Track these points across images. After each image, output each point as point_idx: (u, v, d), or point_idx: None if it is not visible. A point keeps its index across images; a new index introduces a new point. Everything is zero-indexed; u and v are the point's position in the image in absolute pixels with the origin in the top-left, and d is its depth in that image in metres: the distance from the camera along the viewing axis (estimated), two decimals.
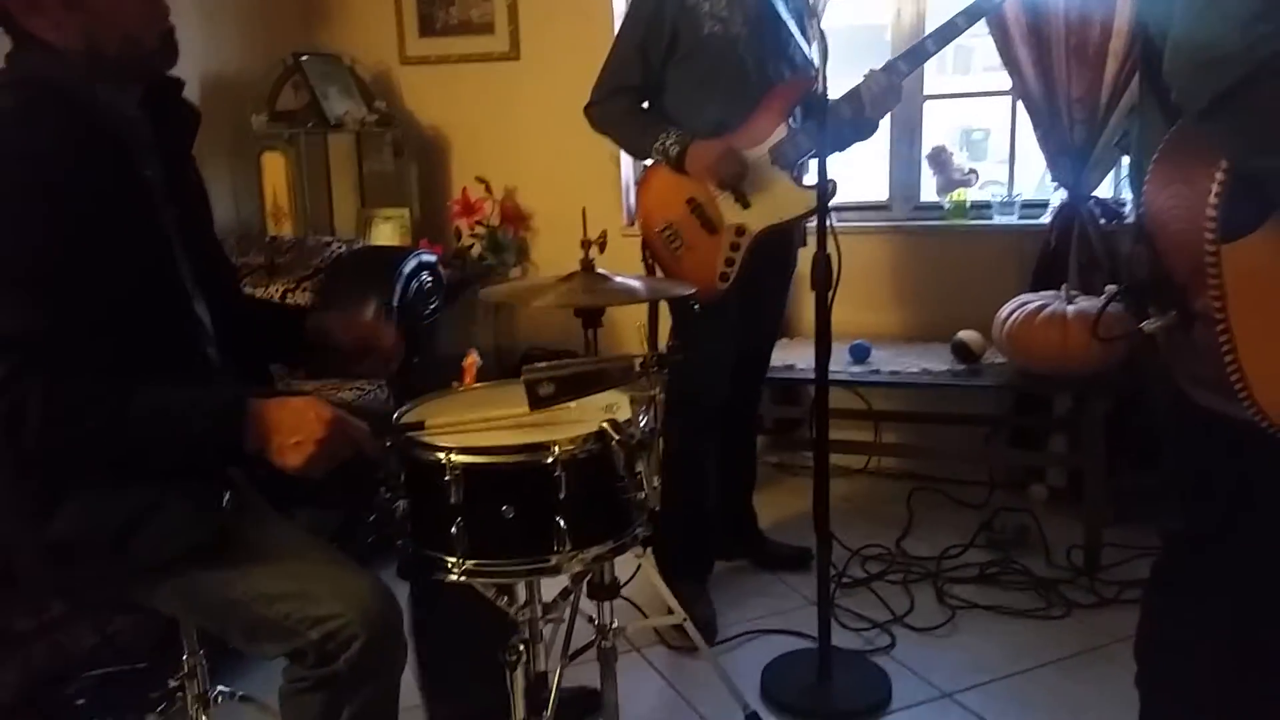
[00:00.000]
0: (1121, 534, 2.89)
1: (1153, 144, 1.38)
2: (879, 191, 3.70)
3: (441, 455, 1.41)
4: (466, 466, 1.40)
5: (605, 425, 1.46)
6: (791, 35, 2.49)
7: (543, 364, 1.50)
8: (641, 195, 2.58)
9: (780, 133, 2.44)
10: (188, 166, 1.60)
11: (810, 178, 2.48)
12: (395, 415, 1.59)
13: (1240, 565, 1.45)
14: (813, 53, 2.42)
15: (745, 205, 2.46)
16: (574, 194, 2.41)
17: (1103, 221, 3.19)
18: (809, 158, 2.45)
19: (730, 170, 2.40)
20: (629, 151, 2.69)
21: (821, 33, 2.16)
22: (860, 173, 3.80)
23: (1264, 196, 1.23)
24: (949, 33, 2.36)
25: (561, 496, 1.42)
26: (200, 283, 1.53)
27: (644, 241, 2.54)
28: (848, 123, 2.39)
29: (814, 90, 2.43)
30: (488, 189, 3.93)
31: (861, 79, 2.38)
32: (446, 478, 1.40)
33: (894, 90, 2.37)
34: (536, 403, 1.47)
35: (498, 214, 3.93)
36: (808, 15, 2.49)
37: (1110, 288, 2.62)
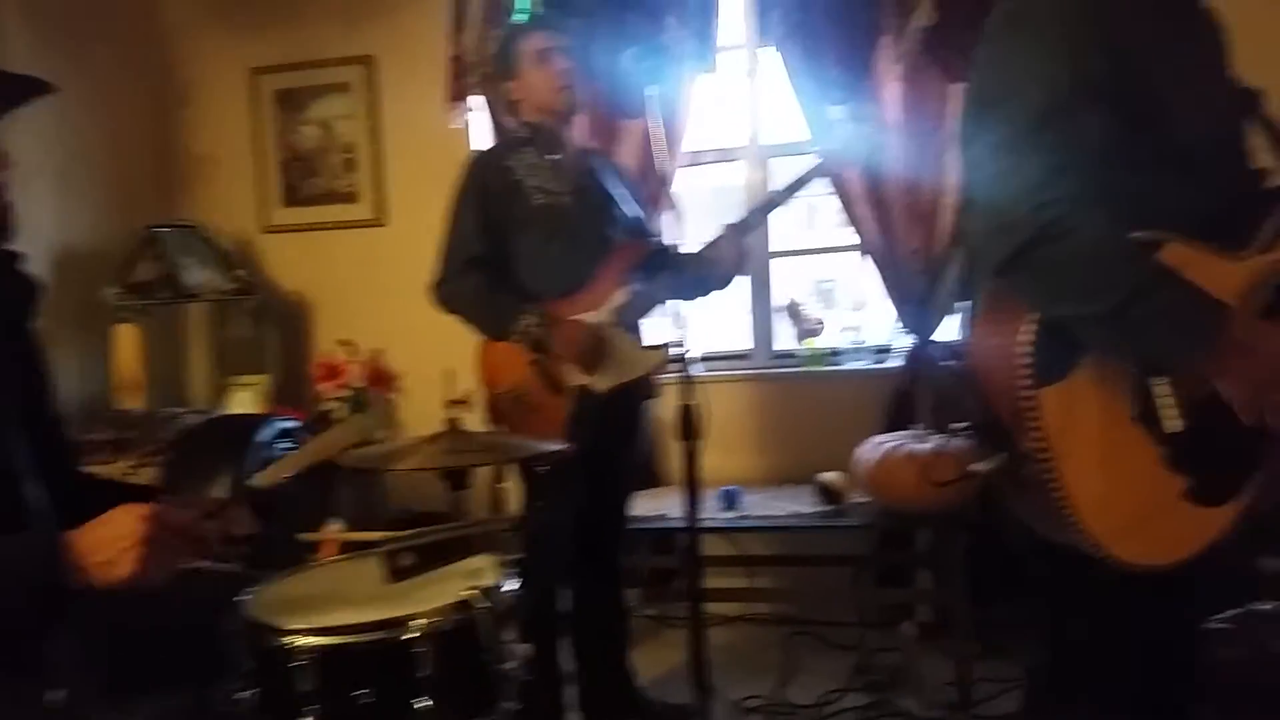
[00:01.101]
0: (994, 667, 2.93)
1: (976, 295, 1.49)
2: (743, 341, 3.84)
3: (289, 639, 1.35)
4: (317, 649, 1.34)
5: (468, 594, 1.43)
6: (616, 200, 2.62)
7: (404, 532, 1.47)
8: (484, 357, 2.58)
9: (621, 293, 2.51)
10: (25, 340, 1.55)
11: (654, 337, 2.57)
12: (244, 597, 1.52)
13: (1102, 694, 1.50)
14: (662, 215, 2.54)
15: (588, 367, 2.49)
16: (443, 354, 2.41)
17: (947, 363, 3.37)
18: (653, 315, 2.55)
19: (597, 354, 2.46)
20: (483, 331, 2.54)
21: (673, 196, 2.28)
22: (724, 323, 3.94)
23: (1072, 341, 1.34)
24: (770, 204, 2.54)
25: (423, 675, 1.37)
26: (35, 462, 1.46)
27: (488, 404, 2.54)
28: (692, 280, 2.50)
29: (654, 250, 2.55)
30: (352, 352, 3.89)
31: (705, 243, 2.52)
32: (295, 663, 1.33)
33: (733, 253, 2.49)
34: (396, 575, 1.44)
35: (363, 376, 3.89)
36: (655, 180, 2.64)
37: (936, 438, 2.76)
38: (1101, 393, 1.35)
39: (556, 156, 2.60)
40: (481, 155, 2.68)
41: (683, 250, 2.68)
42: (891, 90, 3.32)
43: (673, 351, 2.19)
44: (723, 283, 2.59)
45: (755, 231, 2.58)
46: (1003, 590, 3.00)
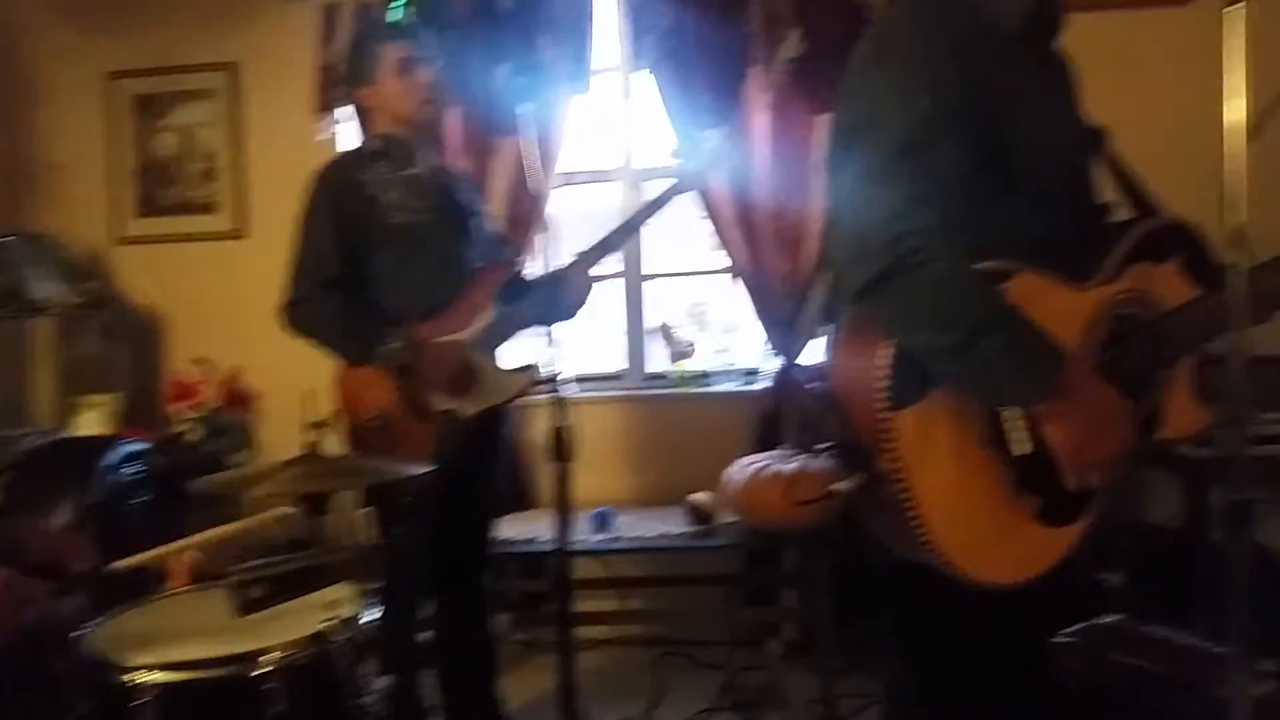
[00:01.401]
0: (857, 683, 2.99)
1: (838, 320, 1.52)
2: (617, 362, 3.84)
3: (131, 675, 1.27)
4: (161, 686, 1.27)
5: (324, 625, 1.37)
6: (474, 220, 2.59)
7: (255, 561, 1.40)
8: (345, 383, 2.46)
9: (485, 315, 2.48)
10: None
11: (518, 360, 2.54)
12: (83, 633, 1.43)
13: (955, 708, 1.54)
14: (532, 236, 2.52)
15: (454, 391, 2.44)
16: (304, 375, 2.32)
17: (813, 384, 3.45)
18: (518, 337, 2.52)
19: (465, 378, 2.42)
20: (344, 355, 2.42)
21: (546, 216, 2.26)
22: (598, 345, 3.94)
23: (926, 370, 1.37)
24: (626, 229, 2.54)
25: (276, 712, 1.30)
26: None
27: (350, 431, 2.43)
28: (552, 302, 2.46)
29: (518, 273, 2.53)
30: (208, 370, 3.73)
31: (563, 266, 2.51)
32: (139, 701, 1.26)
33: (585, 279, 2.47)
34: (246, 607, 1.36)
35: (219, 397, 3.72)
36: (528, 200, 2.62)
37: (801, 458, 2.82)
38: (955, 416, 1.39)
39: (412, 171, 2.51)
40: (331, 168, 2.52)
41: (544, 272, 2.66)
42: (761, 118, 3.39)
43: (541, 373, 2.17)
44: (579, 305, 2.55)
45: (612, 254, 2.55)
46: (864, 608, 3.07)
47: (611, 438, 3.65)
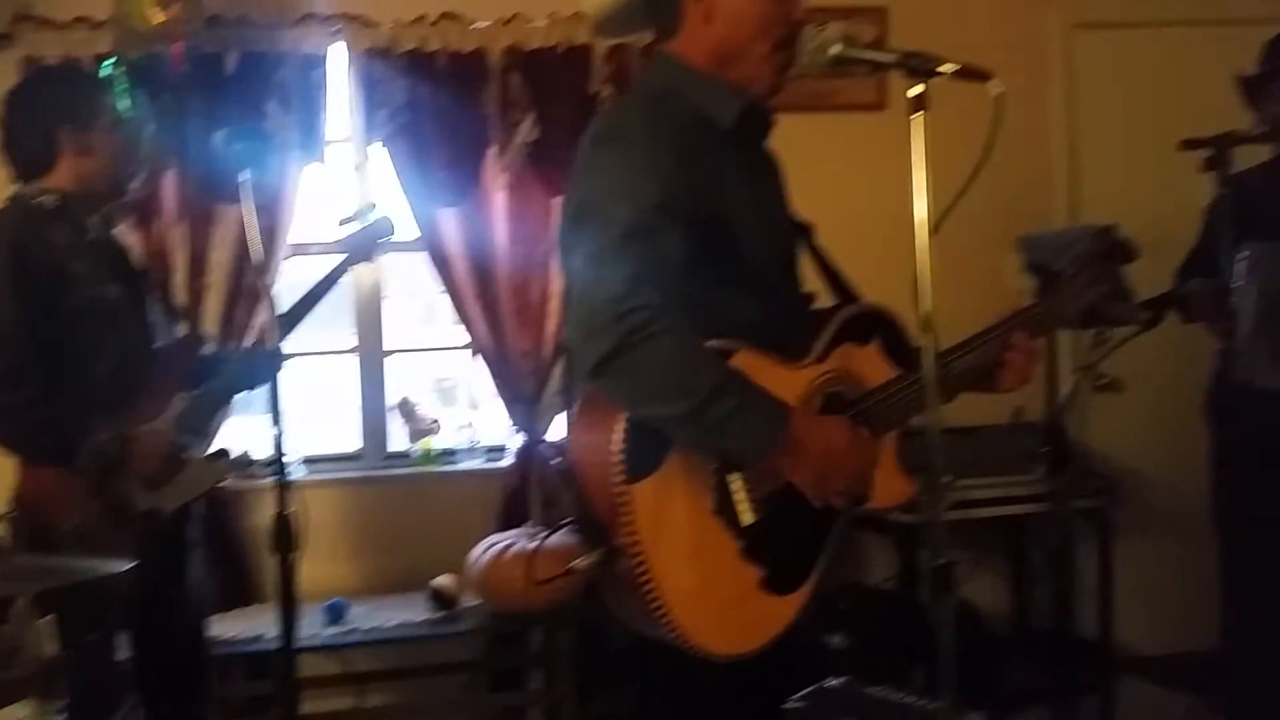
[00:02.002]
0: None
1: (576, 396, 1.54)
2: (353, 442, 3.69)
3: None
4: None
5: None
6: (151, 294, 2.46)
7: None
8: (32, 486, 2.17)
9: (179, 399, 2.30)
10: None
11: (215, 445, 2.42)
12: None
13: None
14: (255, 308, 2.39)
15: (155, 486, 2.24)
16: None
17: (556, 461, 3.45)
18: (214, 420, 2.38)
19: (169, 469, 2.23)
20: (27, 456, 2.16)
21: (272, 294, 2.16)
22: (332, 424, 3.78)
23: (660, 438, 1.41)
24: (310, 300, 2.47)
25: None
26: None
27: (33, 537, 2.12)
28: (242, 380, 2.36)
29: (201, 350, 2.38)
30: None
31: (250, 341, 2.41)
32: None
33: (273, 353, 2.27)
34: None
35: None
36: (251, 271, 2.49)
37: (544, 536, 2.81)
38: (687, 487, 1.44)
39: (93, 237, 2.28)
40: (8, 230, 2.19)
41: (224, 348, 2.52)
42: (499, 198, 3.41)
43: (245, 458, 2.05)
44: (268, 380, 2.42)
45: (296, 327, 2.46)
46: (607, 685, 3.07)
47: (346, 522, 3.48)
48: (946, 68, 1.38)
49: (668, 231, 1.42)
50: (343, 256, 2.54)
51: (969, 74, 1.37)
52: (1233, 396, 2.49)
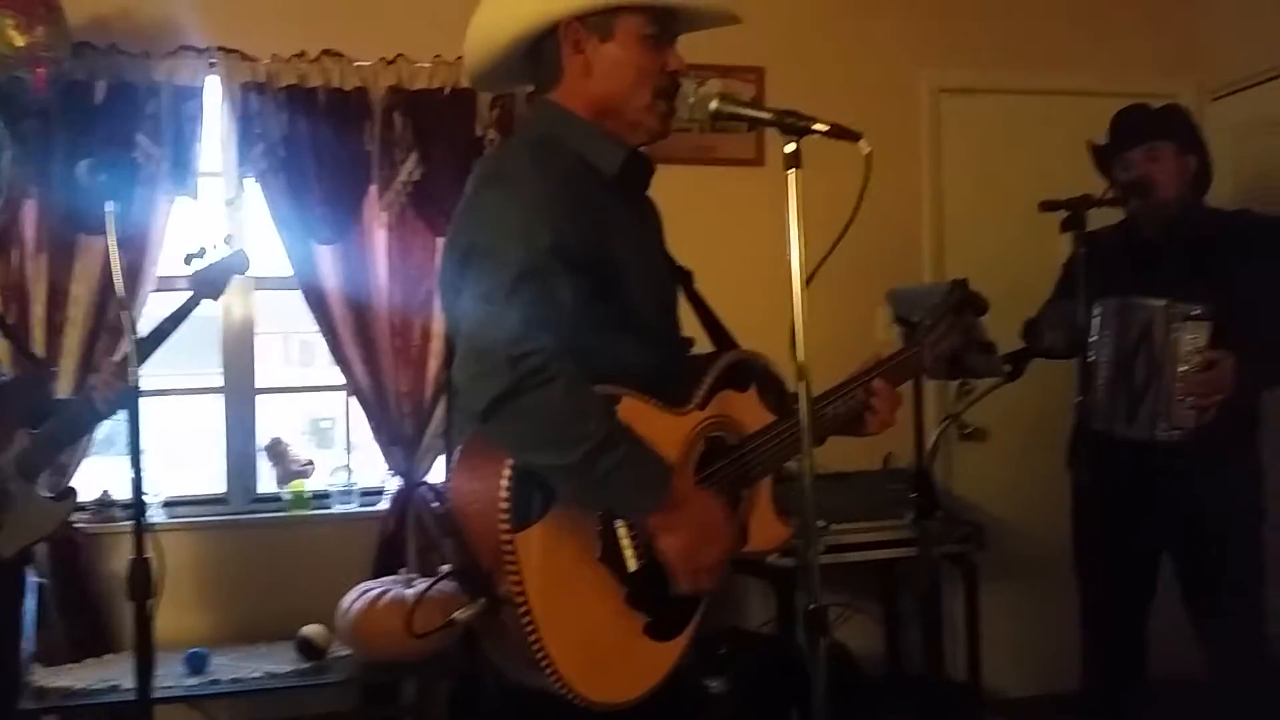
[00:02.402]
0: None
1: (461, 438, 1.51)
2: (217, 484, 3.54)
3: None
4: None
5: None
6: None
7: None
8: None
9: (19, 438, 2.21)
10: None
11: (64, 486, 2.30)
12: None
13: None
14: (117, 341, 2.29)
15: None
16: None
17: (435, 506, 3.39)
18: (56, 460, 2.27)
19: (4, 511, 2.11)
20: None
21: (132, 320, 2.06)
22: (198, 464, 3.63)
23: (545, 489, 1.40)
24: (156, 337, 2.39)
25: None
26: None
27: None
28: (83, 420, 2.29)
29: (39, 388, 2.27)
30: None
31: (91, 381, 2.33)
32: None
33: (114, 393, 2.27)
34: None
35: None
36: (115, 304, 2.38)
37: (421, 583, 2.75)
38: (574, 534, 1.43)
39: None
40: None
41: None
42: (379, 237, 3.37)
43: (114, 497, 1.96)
44: (108, 418, 2.34)
45: (142, 364, 2.37)
46: None
47: (210, 568, 3.33)
48: (819, 126, 1.44)
49: (559, 275, 1.42)
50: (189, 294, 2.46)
51: (840, 133, 1.43)
52: (1092, 446, 2.61)
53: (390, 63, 3.33)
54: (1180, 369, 2.47)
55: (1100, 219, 2.65)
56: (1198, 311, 2.46)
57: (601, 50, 1.56)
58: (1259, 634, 2.65)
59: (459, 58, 3.27)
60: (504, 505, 1.38)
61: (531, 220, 1.44)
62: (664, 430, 1.51)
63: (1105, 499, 2.62)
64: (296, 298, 3.38)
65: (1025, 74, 3.87)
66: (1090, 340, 2.58)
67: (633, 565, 1.46)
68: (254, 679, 2.93)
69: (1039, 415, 3.24)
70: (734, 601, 3.57)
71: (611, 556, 1.45)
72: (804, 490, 1.45)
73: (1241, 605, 2.62)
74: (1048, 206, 2.52)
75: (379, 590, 2.98)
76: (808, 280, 1.42)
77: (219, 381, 3.51)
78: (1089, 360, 2.57)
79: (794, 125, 1.44)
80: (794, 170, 1.42)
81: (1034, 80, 3.87)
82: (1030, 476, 3.57)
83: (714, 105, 1.52)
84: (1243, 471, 2.65)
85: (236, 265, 2.51)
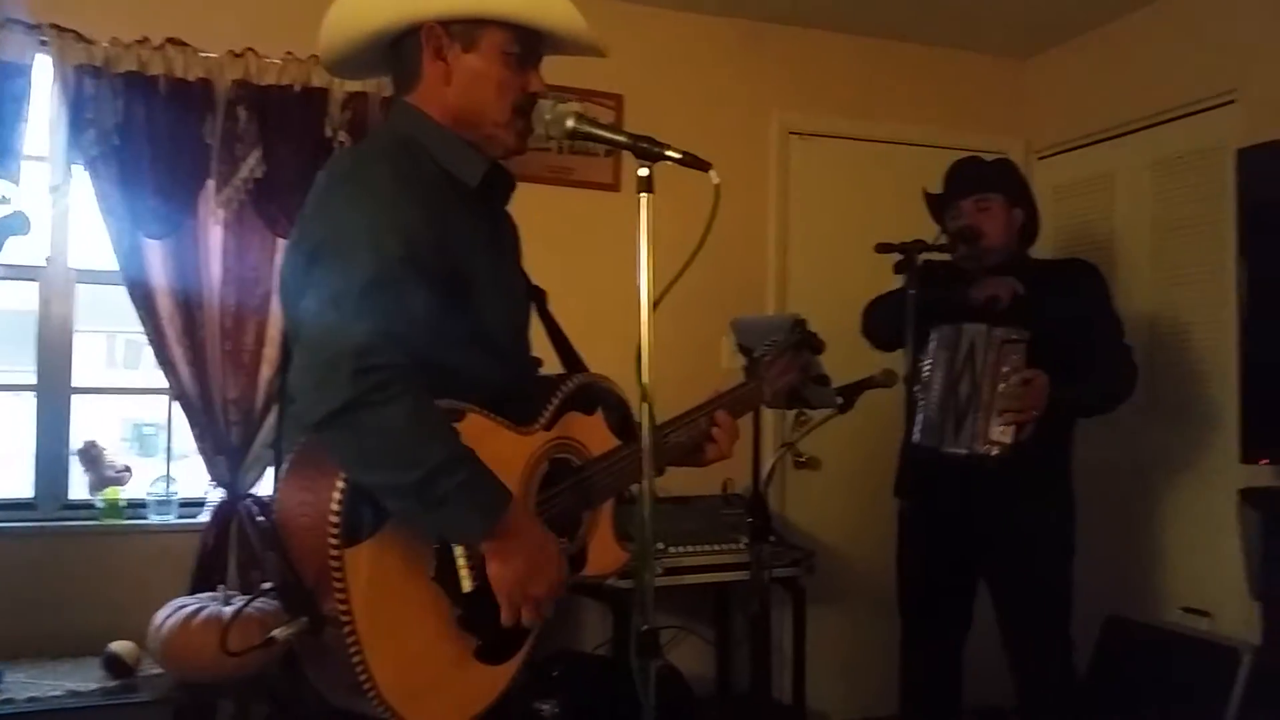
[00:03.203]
0: None
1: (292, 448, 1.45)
2: (24, 488, 3.30)
3: None
4: None
5: None
6: None
7: None
8: None
9: None
10: None
11: None
12: None
13: None
14: None
15: None
16: None
17: (260, 519, 3.24)
18: None
19: None
20: None
21: None
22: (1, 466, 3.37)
23: (378, 504, 1.36)
24: None
25: None
26: None
27: None
28: None
29: None
30: None
31: None
32: None
33: None
34: None
35: None
36: None
37: (240, 600, 2.64)
38: (407, 552, 1.38)
39: None
40: None
41: None
42: (214, 234, 3.23)
43: None
44: None
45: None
46: None
47: (11, 578, 3.09)
48: (672, 153, 1.47)
49: (411, 284, 1.38)
50: None
51: (692, 162, 1.46)
52: (917, 473, 2.73)
53: (238, 55, 3.20)
54: (1000, 387, 2.62)
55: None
56: (1015, 335, 2.62)
57: (463, 60, 1.54)
58: (1068, 664, 2.82)
59: (312, 55, 3.20)
60: (334, 520, 1.32)
61: (385, 225, 1.39)
62: (508, 449, 1.49)
63: (927, 528, 2.74)
64: (123, 294, 3.19)
65: (870, 123, 4.07)
66: (925, 362, 2.70)
67: (468, 586, 1.42)
68: (54, 697, 2.74)
69: (870, 446, 3.37)
70: (571, 624, 3.56)
71: (445, 576, 1.42)
72: (641, 514, 1.46)
73: (1052, 636, 2.78)
74: (883, 248, 2.62)
75: (195, 606, 2.84)
76: (654, 305, 1.43)
77: (32, 379, 3.28)
78: (924, 377, 2.68)
79: (647, 150, 1.46)
80: (646, 195, 1.44)
81: (877, 129, 4.07)
82: (859, 505, 3.72)
83: (570, 124, 1.53)
84: (1057, 507, 2.83)
85: (15, 226, 2.33)
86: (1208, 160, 3.43)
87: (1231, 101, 3.36)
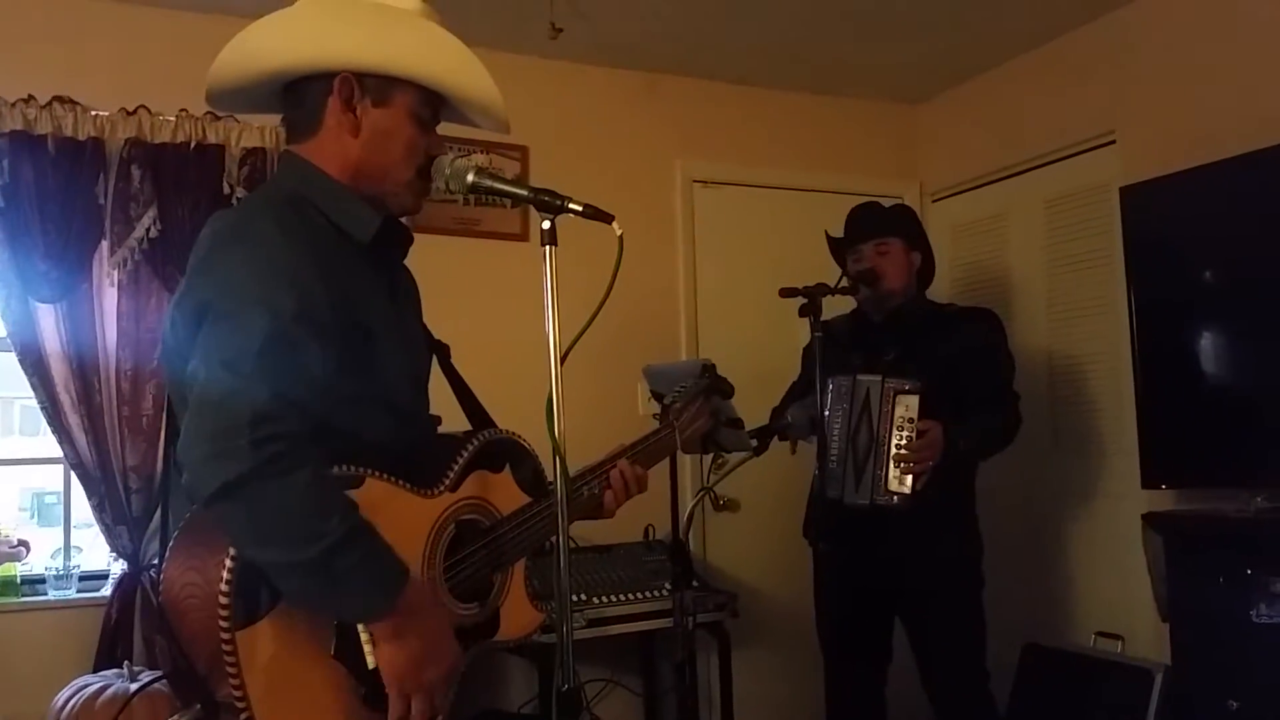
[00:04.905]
0: None
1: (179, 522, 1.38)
2: None
3: None
4: None
5: None
6: None
7: None
8: None
9: None
10: None
11: None
12: None
13: None
14: None
15: None
16: None
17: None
18: None
19: None
20: None
21: None
22: None
23: (271, 583, 1.28)
24: None
25: None
26: None
27: None
28: None
29: None
30: None
31: None
32: None
33: None
34: None
35: None
36: None
37: (147, 675, 2.52)
38: (305, 629, 1.32)
39: None
40: None
41: None
42: (109, 296, 3.13)
43: None
44: None
45: None
46: None
47: None
48: (574, 206, 1.45)
49: (306, 342, 1.32)
50: None
51: (595, 214, 1.46)
52: (826, 515, 2.74)
53: (131, 113, 3.13)
54: (895, 439, 2.66)
55: (836, 307, 2.84)
56: (908, 386, 2.68)
57: (372, 114, 1.49)
58: (985, 694, 2.85)
59: (208, 112, 3.13)
60: (224, 600, 1.25)
61: (277, 284, 1.33)
62: (410, 514, 1.44)
63: (840, 567, 2.75)
64: (13, 360, 3.06)
65: (770, 170, 4.14)
66: (825, 415, 2.74)
67: (372, 662, 1.35)
68: None
69: (786, 487, 3.38)
70: (495, 682, 3.48)
71: (347, 653, 1.34)
72: (558, 571, 1.41)
73: (968, 668, 2.81)
74: (787, 293, 2.66)
75: (98, 685, 2.69)
76: (563, 357, 1.41)
77: None
78: (824, 433, 2.72)
79: (549, 203, 1.45)
80: (550, 247, 1.43)
81: (777, 176, 4.14)
82: (779, 545, 3.71)
83: (471, 178, 1.51)
84: (963, 542, 2.87)
85: None
86: (1095, 198, 3.56)
87: (1113, 142, 3.51)
